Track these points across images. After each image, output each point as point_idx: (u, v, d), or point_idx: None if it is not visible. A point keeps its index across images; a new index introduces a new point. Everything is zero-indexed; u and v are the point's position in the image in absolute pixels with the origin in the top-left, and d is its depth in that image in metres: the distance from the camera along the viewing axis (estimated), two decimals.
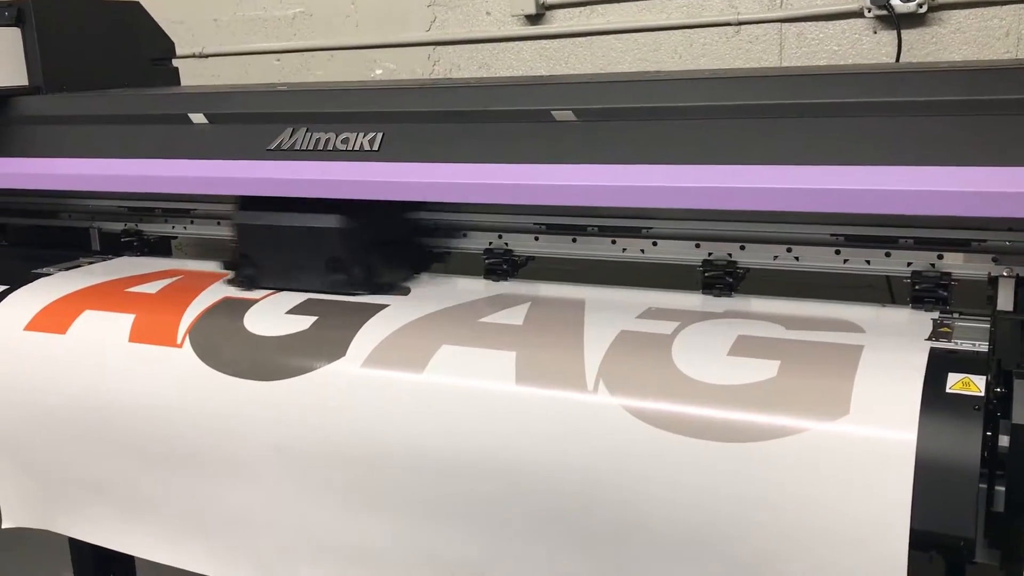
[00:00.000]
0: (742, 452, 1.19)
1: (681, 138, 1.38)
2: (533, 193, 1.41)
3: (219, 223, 1.92)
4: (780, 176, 1.30)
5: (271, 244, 1.62)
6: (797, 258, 1.50)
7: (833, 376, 1.21)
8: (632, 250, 1.59)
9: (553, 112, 1.44)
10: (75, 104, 1.89)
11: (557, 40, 2.46)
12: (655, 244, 1.57)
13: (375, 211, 1.56)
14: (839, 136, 1.32)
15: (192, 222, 1.96)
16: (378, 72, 2.69)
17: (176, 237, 2.04)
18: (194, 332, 1.54)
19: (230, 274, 1.68)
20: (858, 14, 2.16)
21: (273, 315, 1.55)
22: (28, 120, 1.89)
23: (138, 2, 2.18)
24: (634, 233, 1.58)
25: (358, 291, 1.57)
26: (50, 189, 1.93)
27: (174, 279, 1.76)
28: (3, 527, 1.73)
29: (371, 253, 1.59)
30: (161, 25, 2.23)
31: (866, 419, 1.16)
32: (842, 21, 2.19)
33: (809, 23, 2.22)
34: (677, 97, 1.41)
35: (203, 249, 2.08)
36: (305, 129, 1.59)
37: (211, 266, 1.84)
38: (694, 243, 1.55)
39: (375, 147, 1.54)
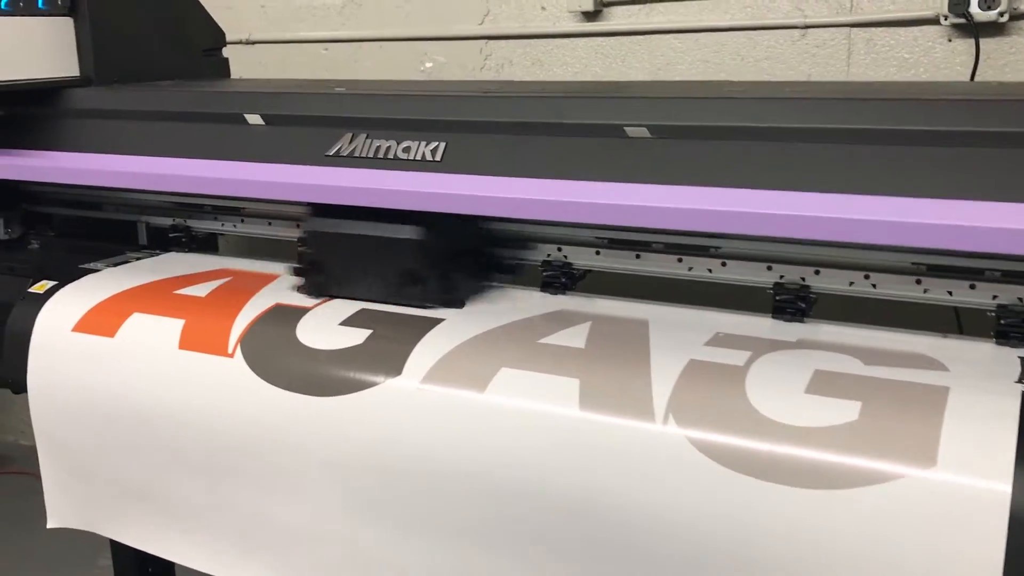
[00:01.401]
0: (819, 499, 1.13)
1: (759, 160, 1.33)
2: (603, 213, 1.36)
3: (270, 223, 1.89)
4: (861, 207, 1.25)
5: (344, 253, 1.57)
6: (875, 285, 1.44)
7: (919, 421, 1.15)
8: (699, 269, 1.54)
9: (626, 128, 1.38)
10: (126, 98, 1.85)
11: (614, 38, 2.40)
12: (724, 264, 1.52)
13: (449, 222, 1.51)
14: (925, 165, 1.26)
15: (242, 220, 1.93)
16: (428, 65, 2.64)
17: (224, 234, 2.01)
18: (245, 341, 1.51)
19: (296, 280, 1.64)
20: (933, 21, 2.08)
21: (326, 326, 1.51)
22: (79, 113, 1.86)
23: None
24: (702, 252, 1.53)
25: (432, 304, 1.54)
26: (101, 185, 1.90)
27: (223, 280, 1.74)
28: (48, 527, 1.71)
29: (447, 265, 1.56)
30: (209, 11, 2.19)
31: (956, 468, 1.10)
32: (915, 28, 2.11)
33: (880, 29, 2.14)
34: (757, 117, 1.35)
35: (250, 247, 2.04)
36: (365, 136, 1.56)
37: (260, 266, 1.82)
38: (765, 265, 1.49)
39: (437, 157, 1.50)
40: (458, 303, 1.56)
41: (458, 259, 1.58)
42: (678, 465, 1.21)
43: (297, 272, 1.63)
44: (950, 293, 1.40)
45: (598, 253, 1.61)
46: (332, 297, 1.59)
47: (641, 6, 2.35)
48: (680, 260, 1.55)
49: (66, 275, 1.78)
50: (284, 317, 1.54)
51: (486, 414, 1.32)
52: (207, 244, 2.03)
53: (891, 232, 1.22)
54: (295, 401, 1.43)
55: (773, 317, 1.47)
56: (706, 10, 2.28)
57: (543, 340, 1.41)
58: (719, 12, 2.27)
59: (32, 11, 1.88)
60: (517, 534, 1.31)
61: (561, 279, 1.62)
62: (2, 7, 1.91)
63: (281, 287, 1.67)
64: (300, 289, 1.62)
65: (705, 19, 2.28)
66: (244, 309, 1.57)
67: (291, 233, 1.86)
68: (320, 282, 1.61)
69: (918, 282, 1.41)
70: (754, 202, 1.29)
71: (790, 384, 1.24)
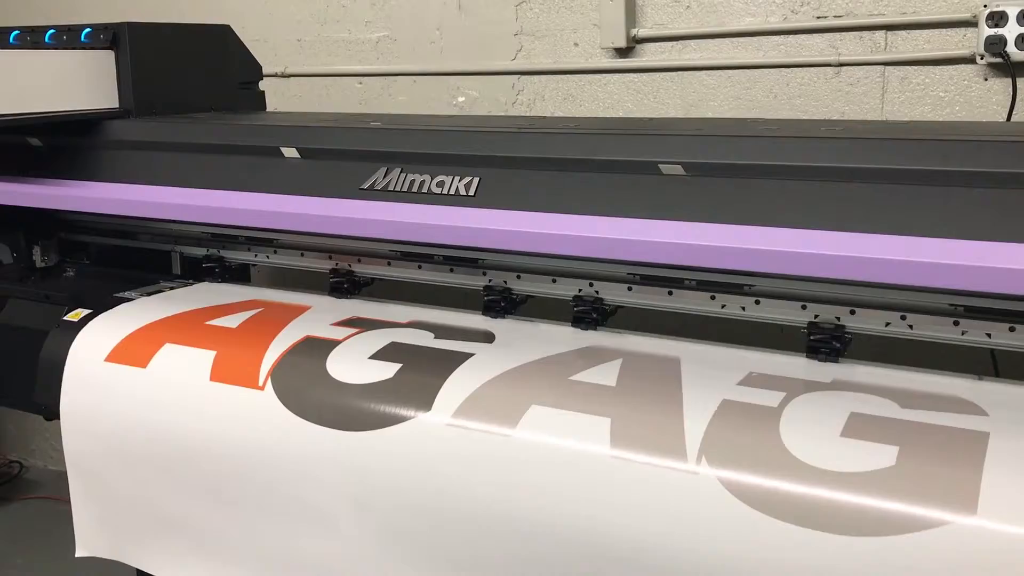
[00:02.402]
0: (855, 547, 1.11)
1: (794, 199, 1.32)
2: (636, 249, 1.35)
3: (303, 254, 1.90)
4: (898, 247, 1.23)
5: None
6: (911, 326, 1.42)
7: (959, 467, 1.13)
8: (732, 307, 1.53)
9: (661, 165, 1.38)
10: (164, 130, 1.88)
11: (646, 74, 2.40)
12: (757, 303, 1.51)
13: None
14: (962, 206, 1.24)
15: (275, 252, 1.94)
16: (461, 99, 2.65)
17: (257, 265, 2.02)
18: (276, 374, 1.51)
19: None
20: (969, 60, 2.06)
21: (356, 359, 1.51)
22: (117, 144, 1.89)
23: (228, 26, 2.17)
24: (736, 290, 1.51)
25: None
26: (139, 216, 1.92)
27: (255, 311, 1.74)
28: (76, 555, 1.71)
29: None
30: (245, 43, 2.21)
31: (998, 516, 1.07)
32: (950, 67, 2.09)
33: (914, 67, 2.12)
34: (792, 156, 1.34)
35: (282, 278, 2.05)
36: (399, 170, 1.57)
37: (291, 297, 1.83)
38: (800, 304, 1.48)
39: (471, 192, 1.50)
40: None
41: None
42: (710, 508, 1.19)
43: None
44: (988, 335, 1.38)
45: (630, 289, 1.60)
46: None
47: (674, 43, 2.35)
48: (713, 297, 1.53)
49: (100, 304, 1.79)
50: (314, 350, 1.54)
51: (516, 452, 1.30)
52: (240, 274, 2.04)
53: (929, 274, 1.20)
54: (325, 435, 1.42)
55: (807, 357, 1.45)
56: (739, 47, 2.28)
57: (574, 377, 1.40)
58: (752, 49, 2.26)
59: (75, 45, 1.92)
60: (546, 573, 1.29)
61: (592, 314, 1.61)
62: (46, 41, 1.95)
63: (312, 319, 1.68)
64: None
65: (738, 56, 2.28)
66: (275, 341, 1.57)
67: (323, 264, 1.87)
68: None
69: (955, 323, 1.39)
70: (789, 241, 1.28)
71: (825, 427, 1.22)
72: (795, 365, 1.43)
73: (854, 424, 1.22)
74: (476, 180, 1.51)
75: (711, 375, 1.39)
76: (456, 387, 1.40)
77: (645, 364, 1.46)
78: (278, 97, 2.84)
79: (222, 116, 2.03)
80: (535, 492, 1.29)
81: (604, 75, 2.44)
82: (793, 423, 1.24)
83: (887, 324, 1.43)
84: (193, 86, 2.07)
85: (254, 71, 2.24)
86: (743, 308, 1.52)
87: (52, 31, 1.95)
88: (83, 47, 1.92)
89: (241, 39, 2.20)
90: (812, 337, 1.45)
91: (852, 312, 1.45)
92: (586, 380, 1.39)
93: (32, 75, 1.82)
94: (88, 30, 1.92)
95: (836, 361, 1.43)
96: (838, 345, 1.44)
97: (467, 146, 1.56)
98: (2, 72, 1.77)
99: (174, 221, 1.95)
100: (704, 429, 1.25)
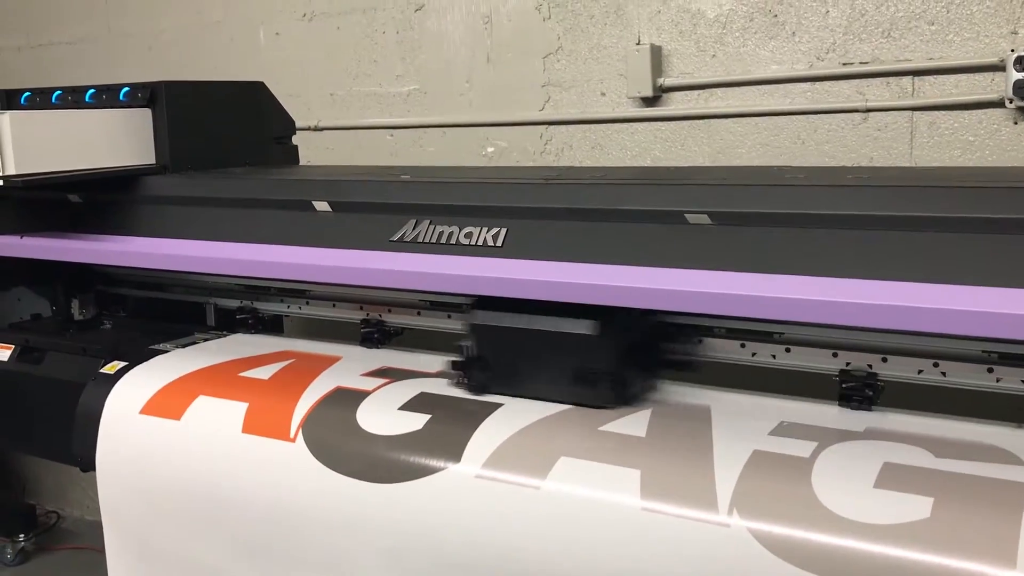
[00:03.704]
0: None
1: (823, 247, 1.31)
2: (664, 299, 1.34)
3: (334, 305, 1.92)
4: (930, 295, 1.22)
5: (512, 348, 1.48)
6: (944, 374, 1.40)
7: (996, 518, 1.10)
8: (763, 355, 1.51)
9: (687, 215, 1.38)
10: (199, 185, 1.91)
11: (673, 123, 2.41)
12: (788, 350, 1.49)
13: (623, 313, 1.42)
14: (994, 253, 1.23)
15: (307, 303, 1.96)
16: (490, 149, 2.68)
17: (289, 316, 2.04)
18: (307, 426, 1.52)
19: (455, 375, 1.55)
20: (998, 104, 2.05)
21: (386, 411, 1.51)
22: (154, 199, 1.92)
23: (262, 82, 2.21)
24: (766, 337, 1.50)
25: (608, 405, 1.44)
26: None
27: (287, 363, 1.76)
28: None
29: (623, 361, 1.45)
30: (278, 97, 2.26)
31: None
32: (979, 111, 2.08)
33: (943, 112, 2.12)
34: (820, 204, 1.33)
35: (314, 329, 2.07)
36: (428, 222, 1.58)
37: (322, 348, 1.84)
38: (831, 352, 1.46)
39: (498, 243, 1.51)
40: (639, 401, 1.45)
41: (634, 355, 1.48)
42: (742, 560, 1.17)
43: (455, 366, 1.55)
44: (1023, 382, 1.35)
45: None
46: (495, 395, 1.50)
47: (700, 91, 2.36)
48: (743, 346, 1.52)
49: (136, 356, 1.82)
50: (345, 401, 1.55)
51: (546, 504, 1.30)
52: (272, 325, 2.06)
53: (962, 321, 1.19)
54: (355, 488, 1.42)
55: (839, 405, 1.43)
56: (765, 94, 2.29)
57: (603, 427, 1.39)
58: (779, 96, 2.27)
59: (114, 104, 1.97)
60: None
61: None
62: (86, 100, 2.00)
63: (342, 369, 1.69)
64: (459, 384, 1.55)
65: (764, 103, 2.28)
66: (306, 392, 1.58)
67: (354, 315, 1.89)
68: (483, 380, 1.53)
69: (990, 371, 1.37)
70: (820, 289, 1.27)
71: (858, 477, 1.20)
72: (827, 414, 1.41)
73: (888, 474, 1.20)
74: (503, 231, 1.52)
75: (742, 425, 1.38)
76: (485, 438, 1.40)
77: (675, 414, 1.45)
78: (311, 150, 2.89)
79: (256, 171, 2.07)
80: (565, 545, 1.27)
81: (631, 124, 2.45)
82: (826, 474, 1.22)
83: (920, 371, 1.41)
84: (227, 141, 2.11)
85: (288, 126, 2.28)
86: (773, 356, 1.50)
87: (92, 91, 2.01)
88: (122, 105, 1.96)
89: (275, 95, 2.24)
90: (844, 385, 1.44)
91: (884, 360, 1.43)
92: (616, 431, 1.39)
93: (73, 133, 1.87)
94: (127, 89, 1.97)
95: (869, 409, 1.41)
96: (870, 393, 1.42)
97: (494, 198, 1.57)
98: (44, 131, 1.82)
99: (208, 274, 1.98)
100: (735, 480, 1.23)
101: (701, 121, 2.37)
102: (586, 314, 1.42)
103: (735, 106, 2.31)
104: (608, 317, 1.43)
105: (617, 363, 1.45)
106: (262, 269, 1.73)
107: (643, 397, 1.50)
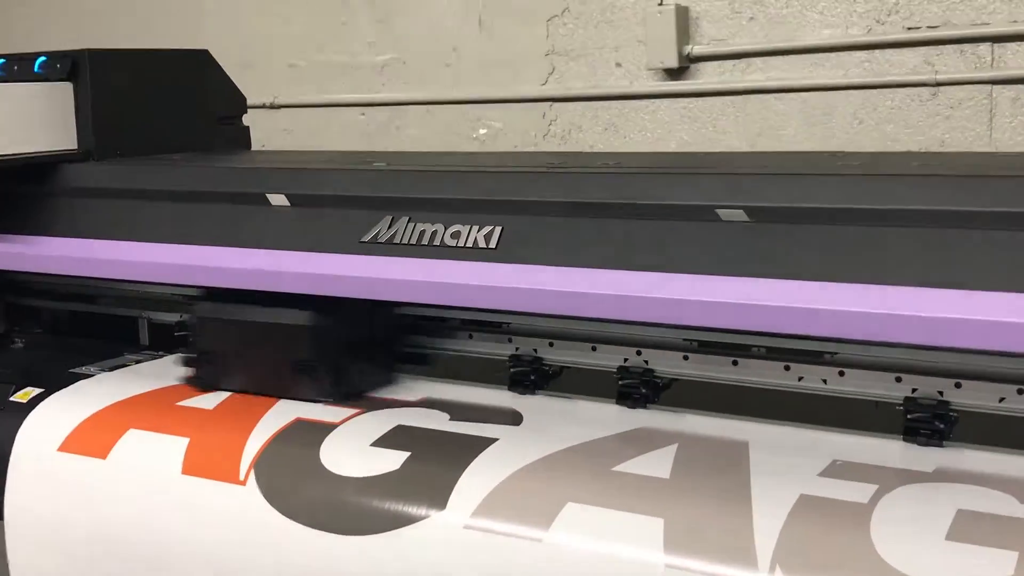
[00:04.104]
0: None
1: (883, 250, 1.31)
2: (692, 312, 1.36)
3: None
4: (1015, 307, 1.22)
5: (234, 341, 1.71)
6: None
7: None
8: (811, 379, 1.52)
9: (720, 210, 1.38)
10: (130, 175, 1.91)
11: (703, 99, 2.43)
12: (842, 374, 1.50)
13: (349, 305, 1.65)
14: None
15: None
16: (482, 132, 2.68)
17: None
18: (260, 466, 1.52)
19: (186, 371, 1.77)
20: None
21: (355, 447, 1.52)
22: (75, 192, 1.92)
23: (206, 51, 2.22)
24: (815, 358, 1.51)
25: (327, 399, 1.66)
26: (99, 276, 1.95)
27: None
28: None
29: (343, 354, 1.69)
30: (227, 70, 2.26)
31: None
32: None
33: None
34: (879, 198, 1.34)
35: None
36: (407, 219, 1.59)
37: None
38: (894, 376, 1.46)
39: (492, 244, 1.52)
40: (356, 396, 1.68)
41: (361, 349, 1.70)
42: None
43: (186, 362, 1.76)
44: None
45: (686, 358, 1.60)
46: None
47: (735, 61, 2.38)
48: (787, 368, 1.53)
49: (53, 381, 1.81)
50: (306, 435, 1.55)
51: (549, 560, 1.29)
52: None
53: None
54: (319, 540, 1.42)
55: (904, 440, 1.44)
56: (814, 64, 2.30)
57: (619, 467, 1.40)
58: (830, 67, 2.28)
59: (27, 76, 1.96)
60: None
61: (641, 389, 1.61)
62: None
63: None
64: (190, 381, 1.75)
65: (813, 76, 2.30)
66: (259, 425, 1.58)
67: None
68: (210, 374, 1.74)
69: None
70: (879, 300, 1.27)
71: (927, 528, 1.21)
72: (889, 450, 1.42)
73: (963, 524, 1.20)
74: (498, 230, 1.52)
75: (786, 464, 1.38)
76: (476, 480, 1.40)
77: (706, 450, 1.45)
78: (266, 133, 2.89)
79: (199, 157, 2.07)
80: None
81: (652, 101, 2.47)
82: (887, 523, 1.22)
83: (1001, 400, 1.41)
84: (165, 122, 2.11)
85: (237, 103, 2.29)
86: (824, 381, 1.51)
87: (2, 60, 2.01)
88: (37, 78, 1.96)
89: (222, 66, 2.24)
90: (910, 416, 1.44)
91: (958, 385, 1.43)
92: (634, 471, 1.39)
93: None
94: (43, 59, 1.97)
95: (939, 445, 1.42)
96: (941, 426, 1.42)
97: (488, 190, 1.58)
98: None
99: (141, 282, 1.97)
100: (778, 531, 1.23)
101: (737, 97, 2.38)
102: (305, 305, 1.64)
103: (777, 79, 2.33)
104: (330, 309, 1.65)
105: (335, 356, 1.67)
106: (205, 276, 1.72)
107: (370, 392, 1.70)
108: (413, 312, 1.77)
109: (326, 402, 1.65)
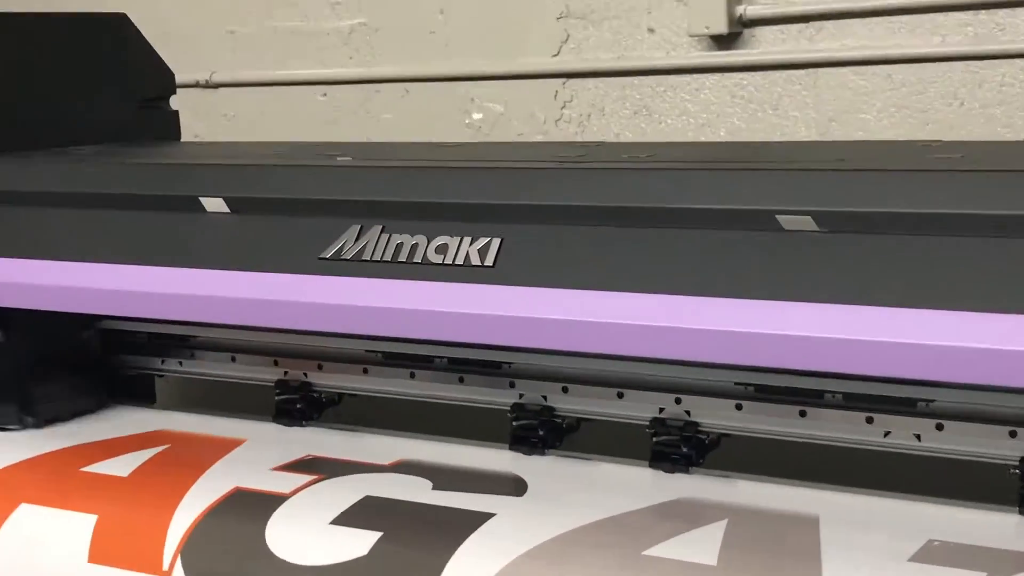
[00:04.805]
0: None
1: (996, 268, 1.30)
2: (749, 346, 1.35)
3: (233, 359, 1.94)
4: None
5: None
6: None
7: None
8: (901, 435, 1.52)
9: (780, 217, 1.38)
10: (20, 173, 1.92)
11: (760, 73, 2.43)
12: (940, 428, 1.50)
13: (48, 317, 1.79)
14: None
15: (192, 355, 1.97)
16: (476, 117, 2.69)
17: (163, 375, 2.04)
18: (189, 551, 1.52)
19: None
20: None
21: (311, 525, 1.52)
22: None
23: (124, 14, 2.22)
24: (906, 408, 1.51)
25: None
26: None
27: (158, 450, 1.77)
28: None
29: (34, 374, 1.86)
30: (150, 39, 2.26)
31: None
32: None
33: None
34: (989, 201, 1.33)
35: (203, 395, 2.06)
36: (380, 228, 1.58)
37: (214, 426, 1.85)
38: (1007, 430, 1.46)
39: (488, 260, 1.51)
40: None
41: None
42: None
43: None
44: None
45: (739, 408, 1.60)
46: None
47: (803, 24, 2.38)
48: (870, 421, 1.53)
49: None
50: (248, 510, 1.55)
51: None
52: (137, 390, 2.06)
53: None
54: None
55: (1020, 514, 1.43)
56: (902, 30, 2.30)
57: (652, 551, 1.40)
58: (923, 33, 2.28)
59: None
60: None
61: (681, 448, 1.62)
62: None
63: (245, 460, 1.70)
64: None
65: (901, 44, 2.30)
66: (187, 497, 1.58)
67: (265, 374, 1.89)
68: None
69: None
70: (992, 332, 1.26)
71: None
72: (1002, 526, 1.42)
73: None
74: (497, 243, 1.51)
75: (866, 544, 1.38)
76: (467, 568, 1.40)
77: (764, 528, 1.45)
78: (200, 118, 2.90)
79: (112, 151, 2.07)
80: None
81: (695, 76, 2.47)
82: None
83: None
84: (68, 106, 2.11)
85: (163, 81, 2.29)
86: (918, 437, 1.51)
87: None
88: None
89: (143, 34, 2.25)
90: None
91: None
92: (672, 555, 1.39)
93: None
94: None
95: None
96: None
97: (484, 191, 1.58)
98: None
99: (35, 311, 1.97)
100: None
101: (803, 72, 2.38)
102: None
103: (856, 48, 2.33)
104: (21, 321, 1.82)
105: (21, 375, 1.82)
106: (119, 303, 1.73)
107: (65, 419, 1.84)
108: (393, 350, 1.78)
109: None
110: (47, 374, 1.89)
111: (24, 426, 1.84)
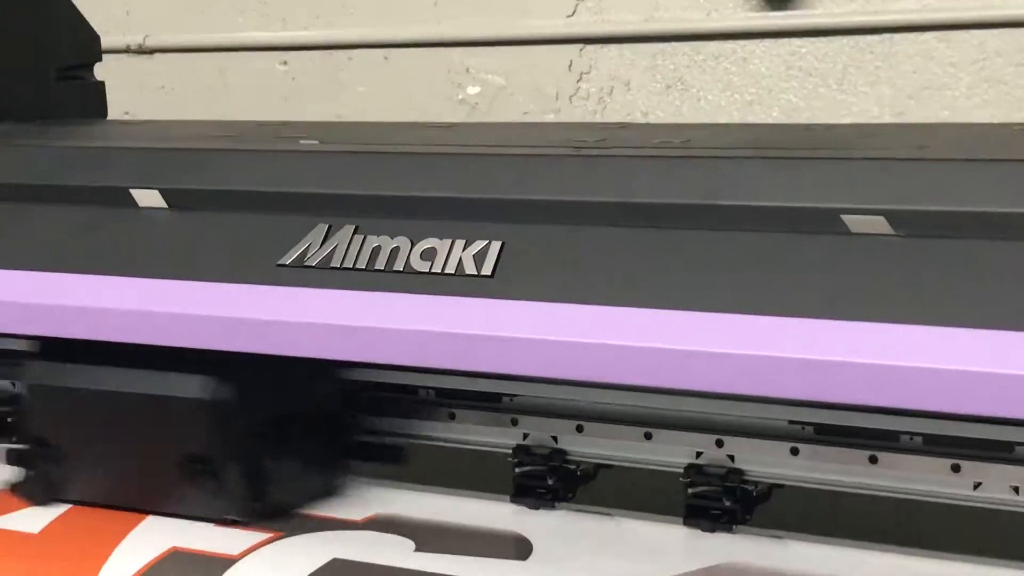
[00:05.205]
0: None
1: None
2: (807, 377, 1.34)
3: None
4: None
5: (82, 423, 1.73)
6: None
7: None
8: (995, 486, 1.52)
9: (846, 217, 1.38)
10: None
11: (822, 39, 2.43)
12: None
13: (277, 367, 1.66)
14: None
15: None
16: (472, 91, 2.69)
17: None
18: None
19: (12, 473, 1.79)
20: None
21: None
22: None
23: None
24: (1001, 453, 1.51)
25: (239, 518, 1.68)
26: None
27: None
28: None
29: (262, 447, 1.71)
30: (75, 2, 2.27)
31: None
32: None
33: None
34: None
35: None
36: (353, 229, 1.59)
37: None
38: None
39: (485, 268, 1.52)
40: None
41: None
42: None
43: (11, 458, 1.76)
44: None
45: (795, 452, 1.61)
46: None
47: None
48: (956, 469, 1.53)
49: None
50: (191, 574, 1.55)
51: None
52: None
53: None
54: None
55: None
56: None
57: None
58: None
59: None
60: None
61: (723, 501, 1.62)
62: None
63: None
64: (15, 489, 1.75)
65: (996, 3, 2.30)
66: (111, 561, 1.58)
67: None
68: (46, 479, 1.74)
69: None
70: None
71: None
72: None
73: None
74: (496, 248, 1.52)
75: None
76: None
77: None
78: (131, 91, 2.90)
79: (24, 131, 2.08)
80: None
81: (742, 43, 2.47)
82: None
83: None
84: None
85: (86, 46, 2.29)
86: (1016, 490, 1.51)
87: None
88: None
89: None
90: None
91: None
92: None
93: None
94: None
95: None
96: None
97: (481, 183, 1.58)
98: None
99: None
100: None
101: (875, 38, 2.38)
102: (201, 367, 1.65)
103: (940, 8, 2.33)
104: (239, 373, 1.66)
105: (245, 449, 1.68)
106: (31, 320, 1.73)
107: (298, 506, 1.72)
108: (367, 378, 1.78)
109: (225, 522, 1.63)
110: (275, 446, 1.75)
111: (243, 518, 1.70)
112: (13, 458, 1.78)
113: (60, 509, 1.75)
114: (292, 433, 1.73)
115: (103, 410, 1.72)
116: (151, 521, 1.68)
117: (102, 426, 1.73)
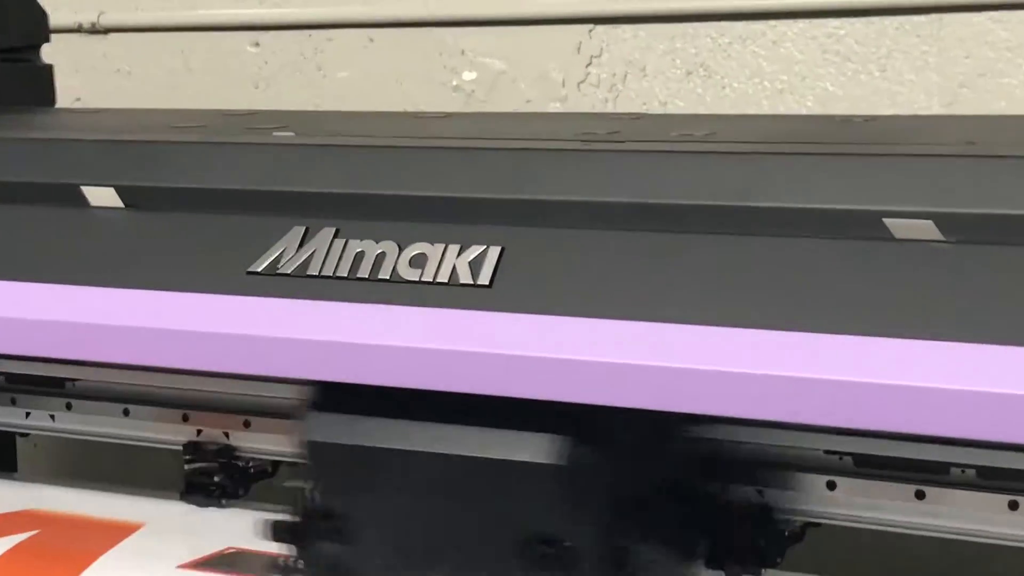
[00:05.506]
0: None
1: None
2: (842, 402, 1.35)
3: (127, 412, 1.95)
4: None
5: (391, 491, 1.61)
6: None
7: None
8: None
9: (888, 221, 1.39)
10: None
11: (862, 20, 2.44)
12: None
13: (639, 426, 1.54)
14: None
15: (69, 407, 1.98)
16: (468, 77, 2.70)
17: (27, 434, 2.05)
18: None
19: (285, 553, 1.65)
20: None
21: None
22: None
23: None
24: None
25: None
26: None
27: (21, 538, 1.78)
28: None
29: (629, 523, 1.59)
30: None
31: None
32: None
33: None
34: None
35: (85, 461, 2.07)
36: (333, 232, 1.59)
37: (100, 505, 1.85)
38: None
39: (482, 277, 1.53)
40: None
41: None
42: None
43: (278, 532, 1.64)
44: None
45: (832, 487, 1.62)
46: None
47: None
48: (1015, 507, 1.53)
49: None
50: None
51: None
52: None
53: None
54: None
55: None
56: None
57: None
58: None
59: None
60: None
61: (752, 543, 1.63)
62: None
63: (140, 553, 1.71)
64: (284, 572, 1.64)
65: None
66: None
67: (171, 434, 1.91)
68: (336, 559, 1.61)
69: None
70: None
71: None
72: None
73: None
74: (495, 254, 1.53)
75: None
76: None
77: None
78: (84, 75, 2.91)
79: None
80: None
81: (771, 24, 2.48)
82: None
83: None
84: None
85: (31, 23, 2.30)
86: None
87: None
88: None
89: None
90: None
91: None
92: None
93: None
94: None
95: None
96: None
97: (477, 180, 1.60)
98: None
99: None
100: None
101: (922, 18, 2.39)
102: (549, 425, 1.51)
103: None
104: (595, 431, 1.52)
105: (610, 527, 1.55)
106: None
107: None
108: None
109: None
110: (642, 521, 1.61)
111: None
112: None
113: (4, 546, 1.74)
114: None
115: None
116: (105, 560, 1.68)
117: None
